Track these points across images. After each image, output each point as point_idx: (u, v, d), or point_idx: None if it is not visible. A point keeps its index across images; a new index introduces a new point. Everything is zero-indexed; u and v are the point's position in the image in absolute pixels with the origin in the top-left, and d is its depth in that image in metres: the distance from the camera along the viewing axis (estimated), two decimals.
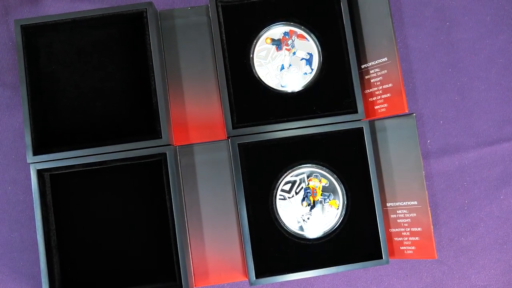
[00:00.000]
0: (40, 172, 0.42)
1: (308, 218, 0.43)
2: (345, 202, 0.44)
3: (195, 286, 0.43)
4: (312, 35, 0.45)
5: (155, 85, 0.43)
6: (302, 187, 0.44)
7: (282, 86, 0.44)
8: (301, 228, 0.43)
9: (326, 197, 0.44)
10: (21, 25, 0.43)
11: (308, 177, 0.44)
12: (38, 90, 0.44)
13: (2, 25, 0.46)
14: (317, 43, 0.45)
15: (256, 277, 0.41)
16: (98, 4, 0.46)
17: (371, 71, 0.45)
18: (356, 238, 0.44)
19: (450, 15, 0.49)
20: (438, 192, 0.48)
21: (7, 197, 0.45)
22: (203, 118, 0.45)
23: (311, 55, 0.45)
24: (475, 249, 0.47)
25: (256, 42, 0.45)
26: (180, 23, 0.46)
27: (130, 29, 0.44)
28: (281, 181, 0.44)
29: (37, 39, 0.44)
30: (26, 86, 0.43)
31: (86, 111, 0.44)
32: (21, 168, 0.45)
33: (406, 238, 0.44)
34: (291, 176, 0.44)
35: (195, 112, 0.45)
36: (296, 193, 0.44)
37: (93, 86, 0.44)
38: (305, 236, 0.43)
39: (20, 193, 0.45)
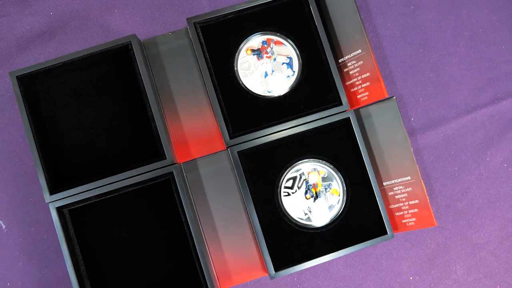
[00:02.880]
0: (59, 209, 0.45)
1: (313, 209, 0.47)
2: (345, 189, 0.47)
3: None
4: (288, 40, 0.48)
5: (151, 111, 0.46)
6: (303, 181, 0.47)
7: (269, 92, 0.47)
8: (309, 219, 0.47)
9: (327, 186, 0.47)
10: (16, 76, 0.46)
11: (307, 171, 0.47)
12: (43, 134, 0.46)
13: None
14: (294, 46, 0.48)
15: (275, 271, 0.45)
16: (84, 45, 0.49)
17: (349, 64, 0.48)
18: (361, 219, 0.47)
19: None
20: (429, 164, 0.51)
21: (32, 238, 0.48)
22: (201, 133, 0.48)
23: (290, 58, 0.48)
24: (471, 211, 0.51)
25: (238, 55, 0.48)
26: (164, 49, 0.49)
27: (119, 62, 0.47)
28: (283, 179, 0.47)
29: (33, 86, 0.47)
30: (32, 132, 0.45)
31: (91, 146, 0.47)
32: (40, 209, 0.48)
33: (406, 212, 0.48)
34: (291, 173, 0.47)
35: (193, 129, 0.48)
36: (299, 188, 0.47)
37: (93, 122, 0.47)
38: (313, 226, 0.47)
39: (43, 232, 0.48)
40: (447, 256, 0.50)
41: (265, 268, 0.46)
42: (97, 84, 0.47)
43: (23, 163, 0.48)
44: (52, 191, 0.45)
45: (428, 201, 0.46)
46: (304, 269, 0.49)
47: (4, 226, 0.48)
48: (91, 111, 0.47)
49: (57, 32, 0.49)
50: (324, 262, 0.48)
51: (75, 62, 0.47)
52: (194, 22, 0.47)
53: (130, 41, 0.46)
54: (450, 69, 0.52)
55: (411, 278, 0.50)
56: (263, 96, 0.47)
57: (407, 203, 0.47)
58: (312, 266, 0.48)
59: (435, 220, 0.46)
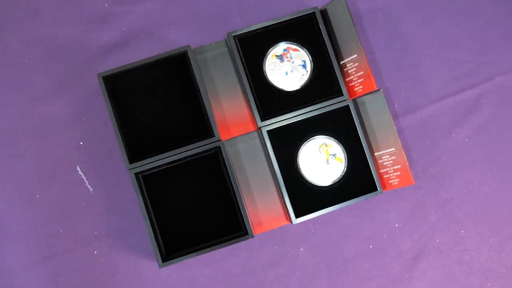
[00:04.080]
0: (136, 175, 0.61)
1: (324, 172, 0.63)
2: (346, 157, 0.63)
3: (254, 233, 0.62)
4: (303, 48, 0.64)
5: (203, 101, 0.61)
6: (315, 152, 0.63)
7: (289, 87, 0.63)
8: (320, 180, 0.63)
9: (333, 155, 0.63)
10: (102, 76, 0.61)
11: (318, 144, 0.63)
12: (122, 118, 0.62)
13: (85, 79, 0.64)
14: (307, 52, 0.64)
15: (296, 217, 0.61)
16: (149, 53, 0.65)
17: (348, 65, 0.64)
18: (358, 180, 0.63)
19: (395, 15, 0.69)
20: (409, 140, 0.67)
21: (113, 198, 0.63)
22: (238, 118, 0.64)
23: (304, 61, 0.64)
24: (441, 174, 0.67)
25: (265, 59, 0.64)
26: (209, 55, 0.64)
27: (178, 65, 0.63)
28: (300, 151, 0.63)
29: (114, 84, 0.62)
30: (114, 117, 0.61)
31: (158, 127, 0.62)
32: (119, 176, 0.64)
33: (392, 174, 0.64)
34: (307, 146, 0.63)
35: (232, 114, 0.64)
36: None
37: (159, 109, 0.63)
38: (323, 185, 0.63)
39: (122, 193, 0.63)
40: (423, 209, 0.66)
41: (287, 217, 0.62)
42: (161, 81, 0.63)
43: (105, 142, 0.64)
44: (131, 161, 0.61)
45: (408, 166, 0.62)
46: (317, 218, 0.65)
47: (91, 189, 0.64)
48: (158, 101, 0.63)
49: (129, 43, 0.65)
50: (331, 213, 0.64)
51: (145, 66, 0.62)
52: (233, 35, 0.63)
53: (187, 50, 0.62)
54: (425, 68, 0.68)
55: (396, 225, 0.66)
56: (284, 90, 0.63)
57: (392, 168, 0.63)
58: (323, 216, 0.64)
59: (413, 180, 0.62)
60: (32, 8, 0.64)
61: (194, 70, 0.62)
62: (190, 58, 0.62)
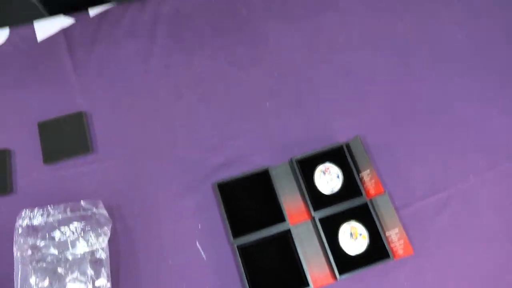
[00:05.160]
0: (237, 247, 0.96)
1: (353, 246, 0.98)
2: (368, 236, 0.99)
3: None
4: (337, 166, 1.05)
5: (278, 200, 1.00)
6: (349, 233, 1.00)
7: (329, 191, 1.03)
8: (351, 251, 0.98)
9: (360, 234, 0.99)
10: (217, 184, 1.01)
11: (350, 226, 1.00)
12: (228, 210, 1.00)
13: (204, 185, 1.04)
14: (340, 169, 1.04)
15: (339, 275, 0.94)
16: (243, 170, 1.05)
17: (364, 177, 1.04)
18: (376, 251, 0.98)
19: (391, 146, 1.11)
20: (407, 224, 1.04)
21: (220, 263, 0.97)
22: (297, 210, 1.02)
23: (338, 175, 1.04)
24: (430, 248, 1.02)
25: (314, 173, 1.04)
26: (280, 171, 1.04)
27: (262, 177, 1.03)
28: (339, 231, 0.99)
29: (223, 189, 1.01)
30: (224, 209, 0.99)
31: (250, 216, 1.00)
32: (222, 247, 0.99)
33: (399, 247, 0.98)
34: (343, 228, 1.00)
35: (293, 208, 1.02)
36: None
37: (251, 205, 1.01)
38: (354, 254, 0.97)
39: (226, 260, 0.98)
40: (420, 270, 0.99)
41: (333, 276, 0.95)
42: (252, 187, 1.02)
43: (215, 225, 1.01)
44: (234, 237, 0.96)
45: (408, 241, 0.97)
46: (351, 277, 0.98)
47: (205, 257, 0.98)
48: (250, 200, 1.01)
49: (230, 164, 1.06)
50: (360, 273, 0.97)
51: (242, 178, 1.02)
52: (294, 159, 1.04)
53: (268, 168, 1.02)
54: (414, 177, 1.08)
55: (405, 283, 0.99)
56: (326, 193, 1.03)
57: (398, 242, 0.99)
58: (355, 275, 0.97)
59: (412, 250, 0.97)
60: (172, 140, 1.07)
61: (272, 180, 1.02)
62: (269, 173, 1.02)
